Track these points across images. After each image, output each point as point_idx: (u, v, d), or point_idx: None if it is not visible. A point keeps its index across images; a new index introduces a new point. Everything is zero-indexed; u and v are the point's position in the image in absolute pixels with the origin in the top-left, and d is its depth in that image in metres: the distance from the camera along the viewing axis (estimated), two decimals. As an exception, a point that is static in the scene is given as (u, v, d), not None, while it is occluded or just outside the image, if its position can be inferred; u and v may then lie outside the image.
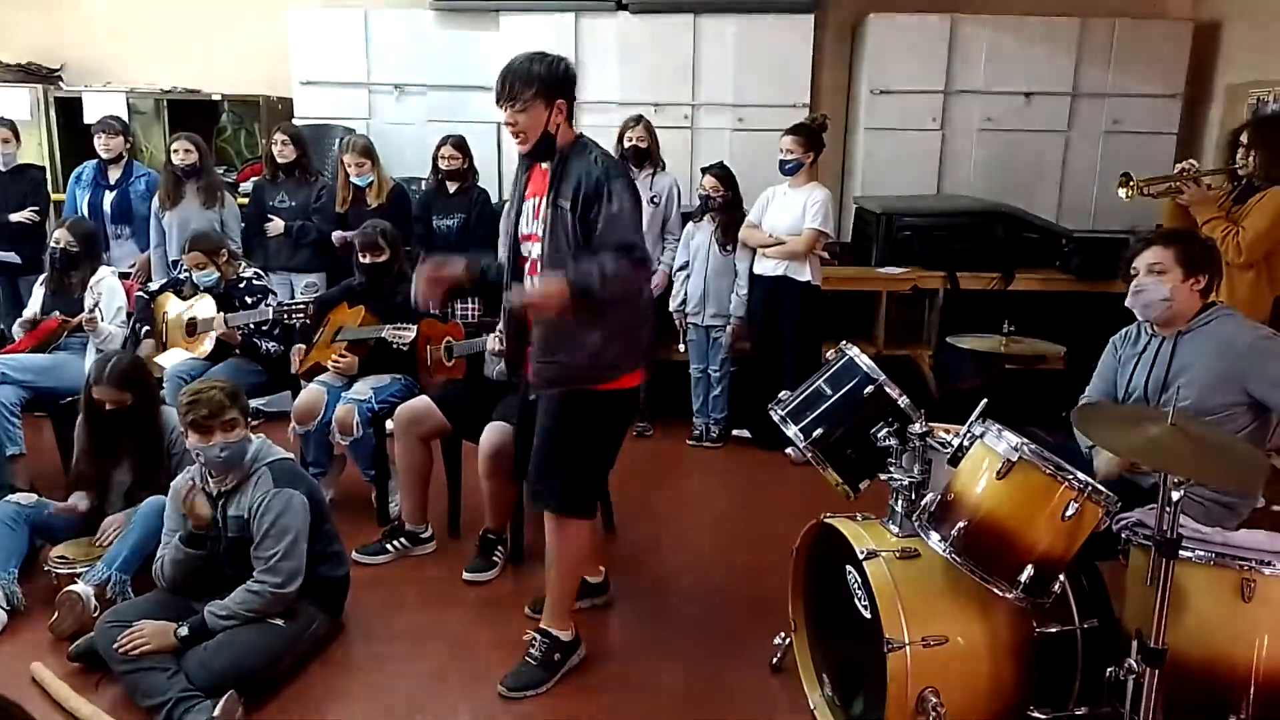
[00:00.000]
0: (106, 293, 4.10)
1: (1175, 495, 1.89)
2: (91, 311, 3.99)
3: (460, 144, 4.86)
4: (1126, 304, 2.61)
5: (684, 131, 5.59)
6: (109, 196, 4.90)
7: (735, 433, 4.73)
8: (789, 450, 4.35)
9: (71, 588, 2.87)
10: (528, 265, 2.61)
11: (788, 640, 2.70)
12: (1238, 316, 2.57)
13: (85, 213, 4.80)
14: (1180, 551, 1.95)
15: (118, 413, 3.11)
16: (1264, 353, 2.43)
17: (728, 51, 5.49)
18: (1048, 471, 2.07)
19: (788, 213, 4.34)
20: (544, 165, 2.57)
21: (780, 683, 2.71)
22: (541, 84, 2.45)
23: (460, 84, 5.71)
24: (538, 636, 2.73)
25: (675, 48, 5.49)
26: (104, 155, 4.87)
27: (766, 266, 4.42)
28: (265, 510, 2.65)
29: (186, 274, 4.11)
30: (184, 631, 2.57)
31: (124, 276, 4.65)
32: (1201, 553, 2.03)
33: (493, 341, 3.30)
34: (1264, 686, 1.98)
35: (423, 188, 5.11)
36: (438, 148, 4.86)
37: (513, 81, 2.46)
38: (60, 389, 3.79)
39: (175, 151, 4.74)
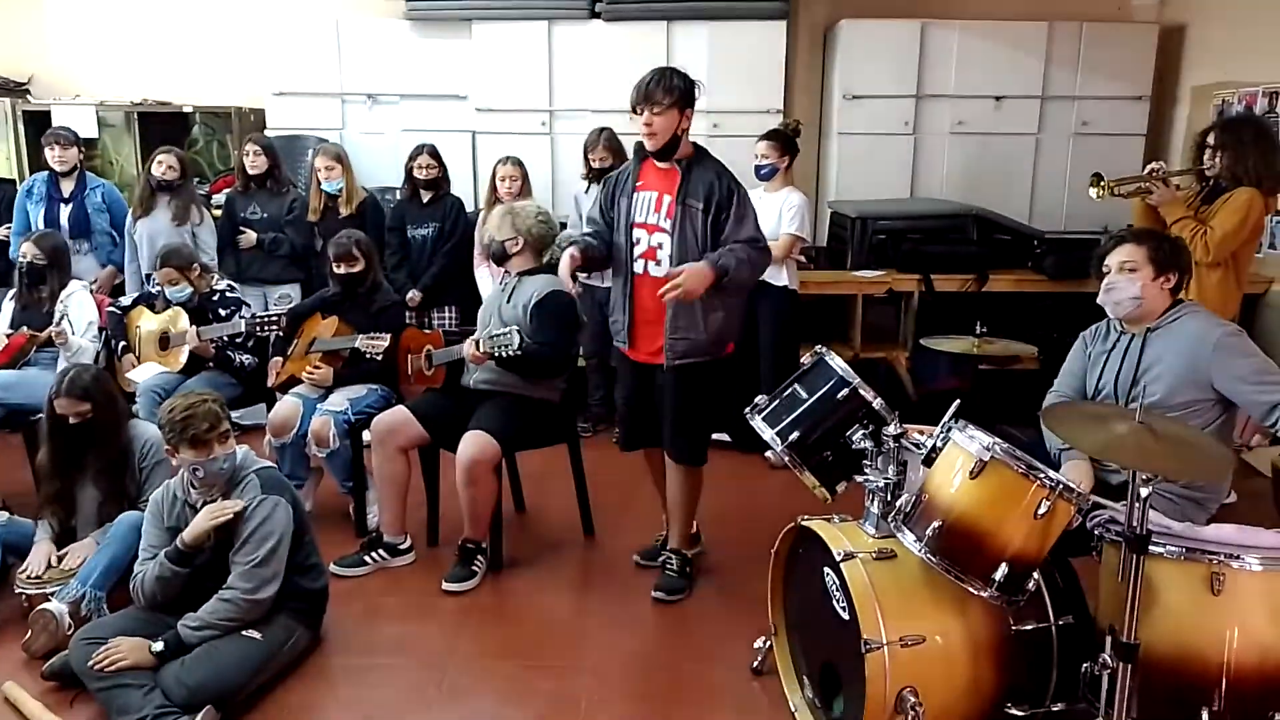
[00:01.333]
0: (75, 306, 4.06)
1: (1144, 491, 1.92)
2: (59, 325, 3.95)
3: (435, 152, 4.86)
4: (1098, 301, 2.65)
5: (659, 138, 5.60)
6: (65, 210, 4.77)
7: (715, 436, 4.73)
8: (768, 453, 4.36)
9: (45, 606, 2.83)
10: (639, 249, 3.02)
11: (768, 643, 2.71)
12: (1204, 313, 2.61)
13: (40, 227, 4.65)
14: (1150, 547, 1.98)
15: (82, 427, 3.06)
16: (1229, 349, 2.47)
17: (701, 58, 5.50)
18: (1019, 470, 2.09)
19: (764, 218, 4.34)
20: (661, 164, 2.99)
21: (761, 685, 2.71)
22: (679, 93, 2.88)
23: (434, 93, 5.70)
24: (673, 556, 3.25)
25: (649, 55, 5.48)
26: (58, 168, 4.74)
27: (742, 271, 4.44)
28: (250, 515, 2.63)
29: (159, 288, 4.08)
30: (159, 647, 2.54)
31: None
32: (1171, 548, 2.05)
33: (469, 348, 3.30)
34: (1235, 678, 2.00)
35: (397, 197, 5.10)
36: (412, 157, 4.85)
37: (654, 87, 2.87)
38: (30, 405, 3.74)
39: (159, 164, 4.68)
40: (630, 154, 4.67)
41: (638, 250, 3.03)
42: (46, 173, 4.83)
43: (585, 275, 4.16)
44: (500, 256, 3.48)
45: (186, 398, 2.70)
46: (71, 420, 3.05)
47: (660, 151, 2.95)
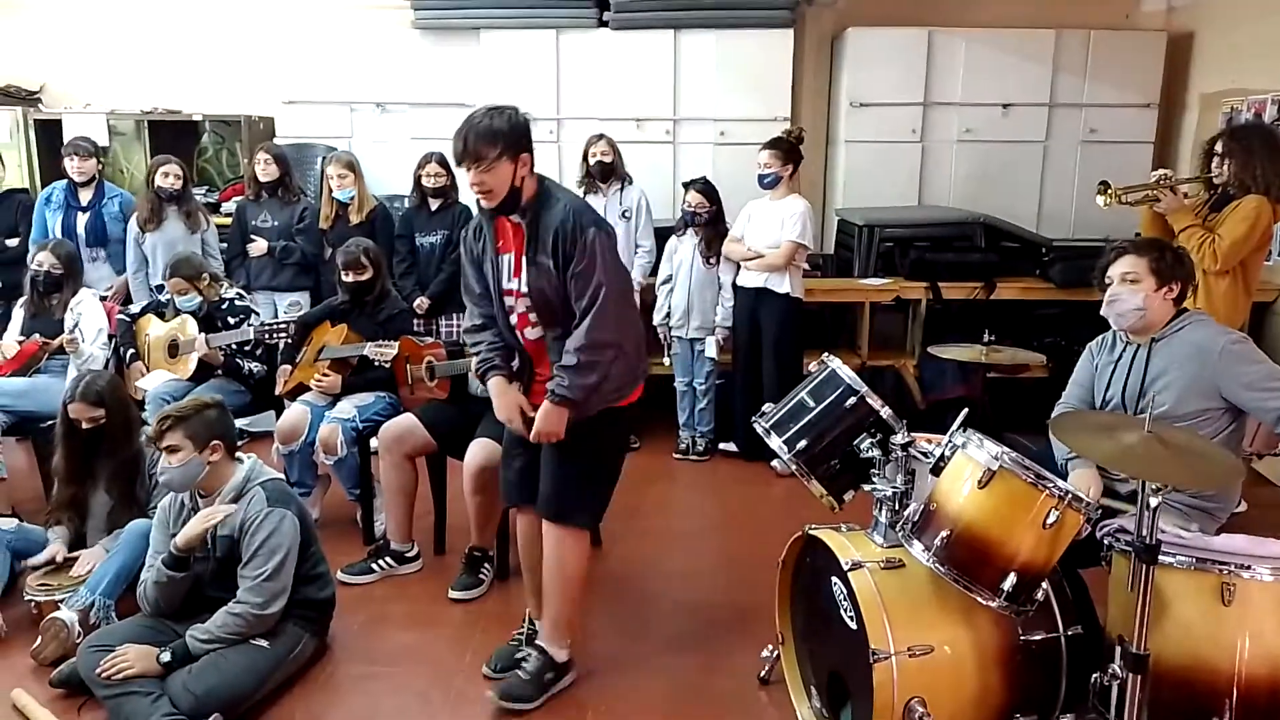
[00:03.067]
0: (87, 314, 4.08)
1: (1153, 501, 1.91)
2: (72, 333, 3.97)
3: (444, 160, 4.86)
4: (1101, 313, 2.65)
5: (666, 146, 5.61)
6: (82, 219, 4.82)
7: (722, 446, 4.74)
8: (774, 463, 4.36)
9: (55, 614, 2.85)
10: (514, 318, 2.63)
11: (775, 652, 2.70)
12: (1210, 322, 2.60)
13: (58, 235, 4.72)
14: (1160, 556, 1.97)
15: (95, 433, 3.09)
16: (1236, 356, 2.46)
17: (708, 66, 5.52)
18: (1028, 480, 2.08)
19: (768, 226, 4.38)
20: (512, 219, 2.55)
21: (769, 695, 2.71)
22: (505, 140, 2.42)
23: (442, 101, 5.72)
24: (532, 653, 2.73)
25: (656, 63, 5.52)
26: (77, 178, 4.80)
27: (748, 279, 4.46)
28: (256, 529, 2.63)
29: (169, 298, 4.09)
30: (166, 657, 2.54)
31: (100, 299, 4.62)
32: (1182, 558, 2.05)
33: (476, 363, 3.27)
34: (1246, 689, 1.99)
35: (405, 205, 5.12)
36: (421, 165, 4.87)
37: (475, 142, 2.41)
38: (41, 412, 3.76)
39: (165, 175, 4.70)
40: (621, 158, 4.74)
41: (514, 318, 2.63)
42: (65, 181, 4.88)
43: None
44: None
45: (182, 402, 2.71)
46: (85, 425, 3.07)
47: (500, 208, 2.50)
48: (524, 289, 2.55)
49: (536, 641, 2.77)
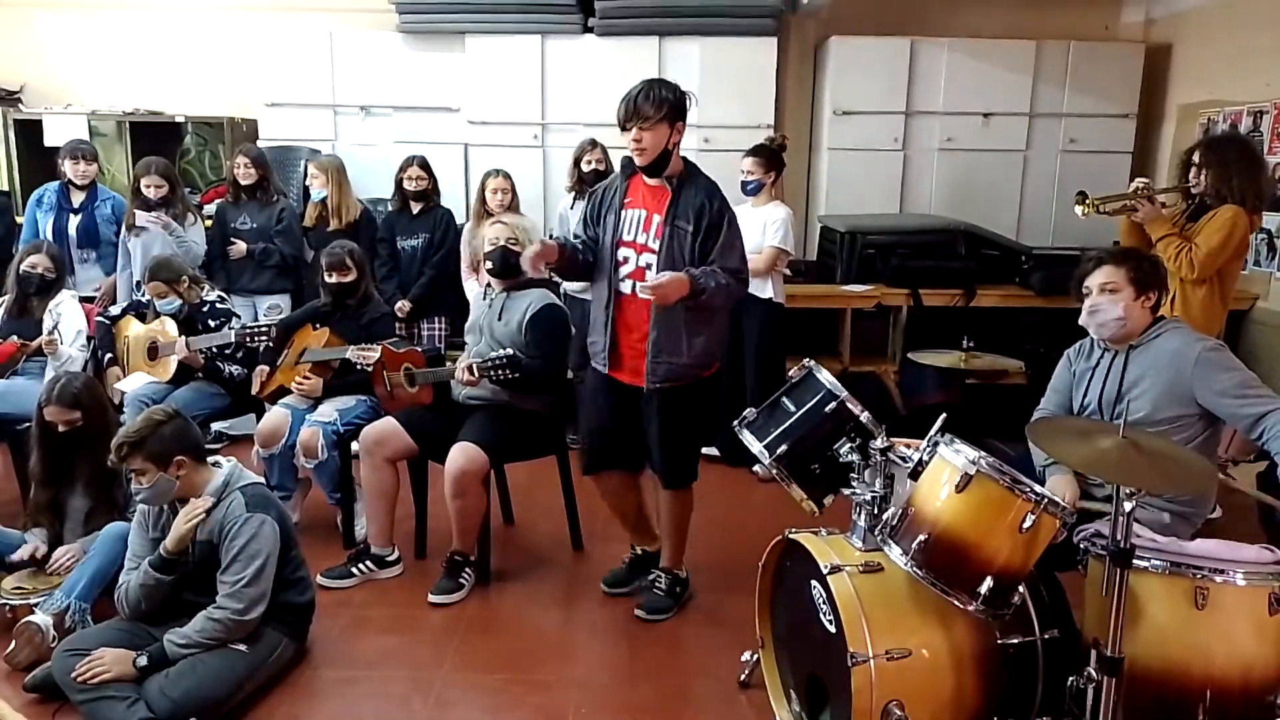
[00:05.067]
0: (66, 315, 4.05)
1: (1128, 506, 1.93)
2: (51, 334, 3.94)
3: (425, 164, 4.88)
4: (1080, 322, 2.68)
5: (650, 152, 5.63)
6: (74, 220, 4.81)
7: (705, 451, 4.74)
8: (756, 467, 4.37)
9: (29, 618, 2.81)
10: (626, 269, 2.92)
11: (755, 656, 2.71)
12: (1186, 329, 2.63)
13: (49, 236, 4.69)
14: (1135, 561, 1.99)
15: (71, 435, 3.06)
16: (1211, 364, 2.49)
17: (693, 73, 5.54)
18: (1005, 484, 2.10)
19: (749, 232, 4.37)
20: (650, 180, 2.89)
21: (748, 699, 2.71)
22: (669, 105, 2.77)
23: (426, 105, 5.72)
24: (661, 574, 3.19)
25: (641, 69, 5.48)
26: (78, 181, 4.78)
27: (731, 285, 4.47)
28: (236, 534, 2.61)
29: (149, 299, 4.07)
30: (143, 661, 2.52)
31: (88, 300, 4.60)
32: (1156, 562, 2.07)
33: (462, 373, 3.27)
34: (1219, 692, 2.02)
35: (387, 209, 5.11)
36: (402, 168, 4.87)
37: (642, 101, 2.76)
38: (17, 414, 3.71)
39: (147, 187, 4.66)
40: (611, 166, 4.77)
41: (624, 270, 2.93)
42: (58, 182, 4.87)
43: (571, 286, 4.17)
44: (503, 265, 3.39)
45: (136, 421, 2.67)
46: (61, 428, 3.04)
47: (650, 168, 2.86)
48: (653, 244, 2.86)
49: (661, 566, 3.21)
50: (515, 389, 3.28)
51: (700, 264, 2.84)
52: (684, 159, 2.94)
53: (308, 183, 4.85)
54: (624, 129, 2.81)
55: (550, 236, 3.86)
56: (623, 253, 2.92)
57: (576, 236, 3.09)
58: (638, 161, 2.85)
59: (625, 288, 2.93)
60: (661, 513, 3.19)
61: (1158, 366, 2.55)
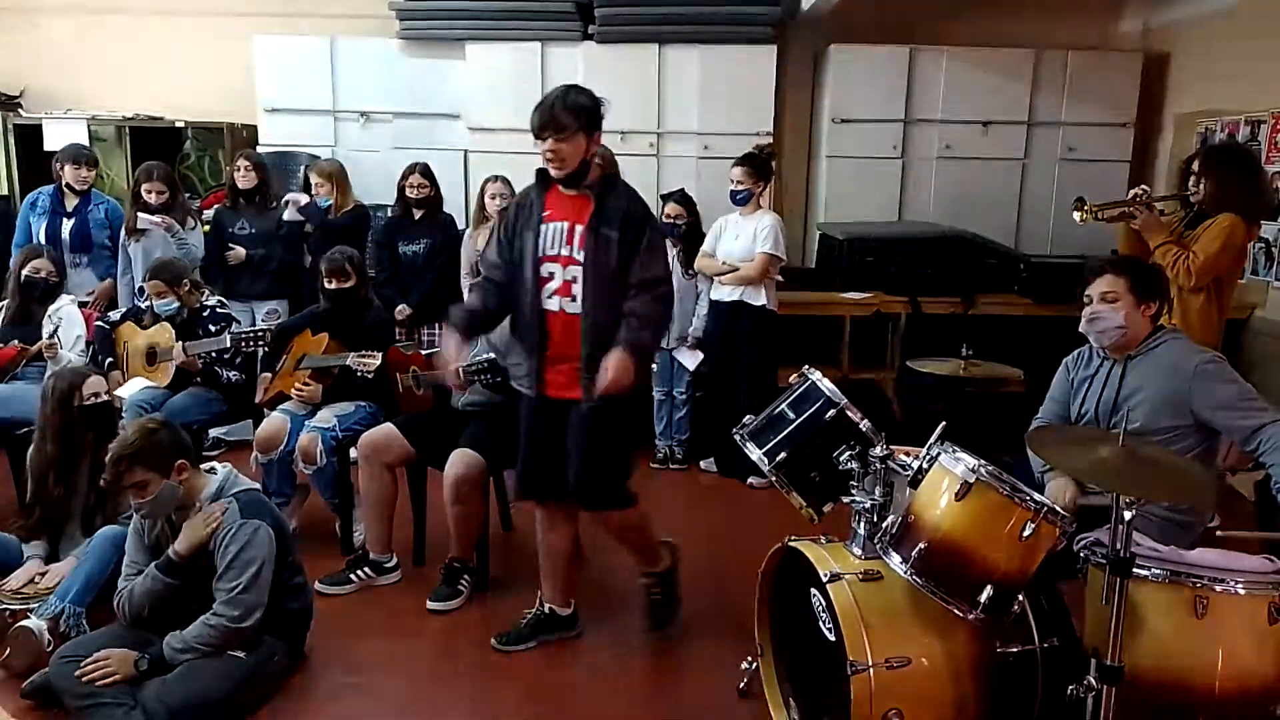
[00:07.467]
0: (65, 321, 4.05)
1: (1127, 515, 1.93)
2: (50, 339, 3.93)
3: (427, 171, 4.88)
4: (1080, 330, 2.68)
5: (650, 159, 5.63)
6: (67, 224, 4.78)
7: (702, 464, 4.75)
8: (751, 479, 4.39)
9: (24, 623, 2.80)
10: (551, 285, 2.76)
11: (754, 665, 2.70)
12: (1185, 340, 2.64)
13: (42, 240, 4.68)
14: (1135, 570, 1.99)
15: (76, 437, 3.07)
16: (1208, 376, 2.49)
17: (692, 80, 5.56)
18: (1004, 493, 2.10)
19: (740, 240, 4.42)
20: (569, 192, 2.75)
21: (747, 707, 2.70)
22: (586, 115, 2.66)
23: (426, 111, 5.73)
24: (646, 578, 3.06)
25: (640, 77, 5.55)
26: (77, 186, 4.76)
27: (723, 293, 4.49)
28: (230, 541, 2.61)
29: (148, 303, 4.06)
30: (144, 665, 2.52)
31: (82, 305, 4.58)
32: (1156, 571, 2.07)
33: (450, 377, 3.26)
34: (1218, 702, 2.01)
35: (388, 215, 5.12)
36: (404, 176, 4.87)
37: (558, 111, 2.63)
38: (16, 419, 3.71)
39: (148, 192, 4.66)
40: (612, 167, 4.75)
41: (550, 286, 2.74)
42: (52, 186, 4.85)
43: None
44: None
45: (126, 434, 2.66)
46: (89, 400, 3.11)
47: (569, 179, 2.72)
48: (578, 256, 2.71)
49: (644, 576, 3.07)
50: (503, 394, 3.28)
51: (624, 271, 2.70)
52: (601, 166, 2.81)
53: (312, 193, 4.84)
54: (539, 138, 2.67)
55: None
56: (546, 268, 2.75)
57: (492, 268, 2.92)
58: (554, 173, 2.72)
59: (552, 305, 2.76)
60: (618, 541, 3.03)
61: (1156, 377, 2.55)
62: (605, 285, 2.70)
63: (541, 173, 2.79)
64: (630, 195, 2.80)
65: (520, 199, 2.90)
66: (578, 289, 2.72)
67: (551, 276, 2.75)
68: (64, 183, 4.78)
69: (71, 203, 4.81)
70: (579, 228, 2.72)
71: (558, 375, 2.78)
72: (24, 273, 4.07)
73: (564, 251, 2.74)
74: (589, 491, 2.83)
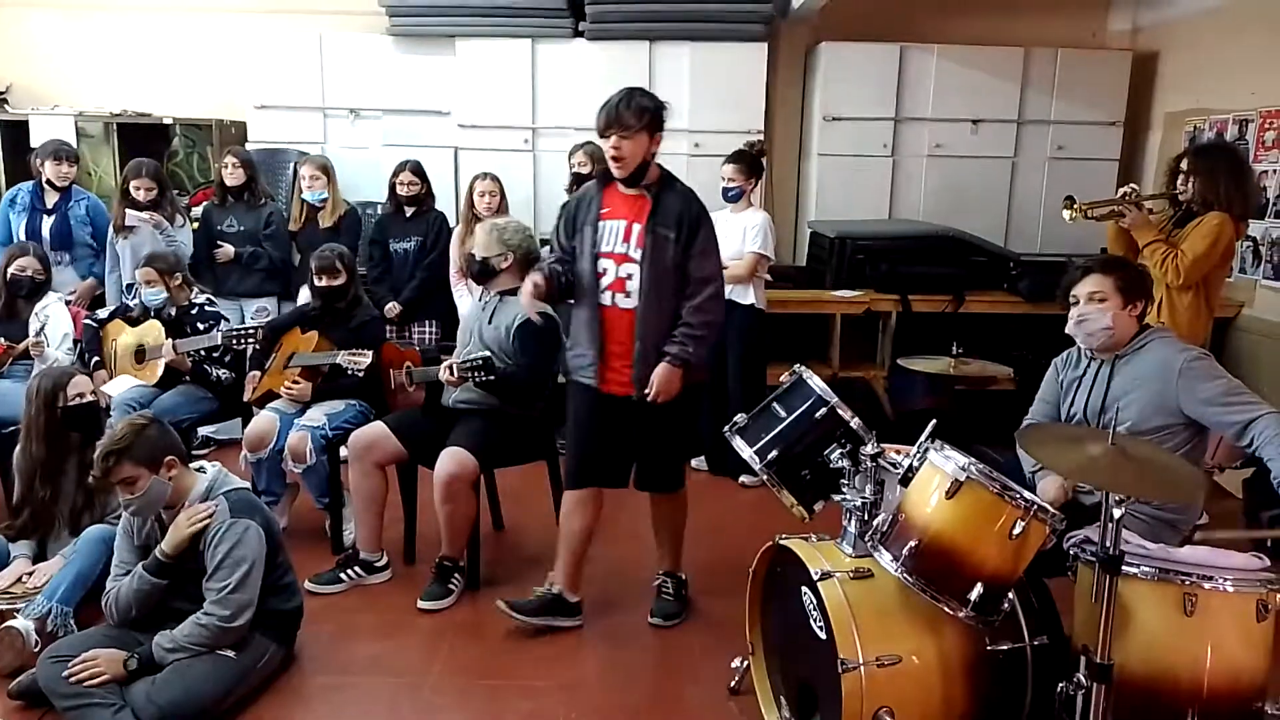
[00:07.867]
0: (52, 319, 4.03)
1: (1117, 513, 1.94)
2: (37, 337, 3.91)
3: (417, 169, 4.87)
4: (1068, 331, 2.68)
5: (640, 156, 5.63)
6: (48, 221, 4.72)
7: (693, 463, 4.74)
8: (742, 478, 4.39)
9: (11, 623, 2.79)
10: (606, 280, 2.88)
11: (745, 662, 2.71)
12: (1172, 339, 2.65)
13: (21, 237, 4.62)
14: (1124, 567, 2.00)
15: (61, 437, 3.05)
16: (1196, 374, 2.50)
17: (683, 78, 5.55)
18: (995, 491, 2.11)
19: (729, 238, 4.38)
20: (628, 190, 2.86)
21: (739, 705, 2.71)
22: (650, 116, 2.77)
23: (416, 108, 5.71)
24: (667, 579, 3.21)
25: (631, 74, 5.52)
26: (58, 182, 4.71)
27: (711, 292, 4.47)
28: (220, 540, 2.59)
29: (137, 298, 4.04)
30: (133, 665, 2.50)
31: (66, 303, 4.55)
32: (1145, 568, 2.08)
33: (444, 373, 3.28)
34: (1208, 699, 2.03)
35: (379, 212, 5.10)
36: (395, 173, 4.85)
37: (622, 111, 2.74)
38: (2, 419, 3.69)
39: (137, 189, 4.61)
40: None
41: (604, 281, 2.89)
42: (32, 183, 4.79)
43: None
44: (486, 274, 3.42)
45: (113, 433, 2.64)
46: (89, 399, 3.11)
47: (629, 178, 2.84)
48: (634, 254, 2.83)
49: (665, 571, 3.22)
50: (493, 393, 3.28)
51: (679, 270, 2.83)
52: (660, 167, 2.92)
53: (303, 184, 4.79)
54: (603, 136, 2.79)
55: (544, 243, 3.83)
56: (602, 264, 2.89)
57: (559, 248, 3.05)
58: (616, 172, 2.84)
59: (606, 299, 2.90)
60: (656, 520, 3.20)
61: (1144, 377, 2.56)
62: (660, 283, 2.82)
63: (603, 172, 2.92)
64: (687, 195, 2.88)
65: (582, 194, 3.02)
66: (632, 285, 2.84)
67: (605, 272, 2.88)
68: (44, 179, 4.72)
69: (52, 199, 4.75)
70: (636, 226, 2.83)
71: (615, 370, 2.92)
72: (9, 270, 4.04)
73: (619, 249, 2.86)
74: (654, 476, 3.05)
